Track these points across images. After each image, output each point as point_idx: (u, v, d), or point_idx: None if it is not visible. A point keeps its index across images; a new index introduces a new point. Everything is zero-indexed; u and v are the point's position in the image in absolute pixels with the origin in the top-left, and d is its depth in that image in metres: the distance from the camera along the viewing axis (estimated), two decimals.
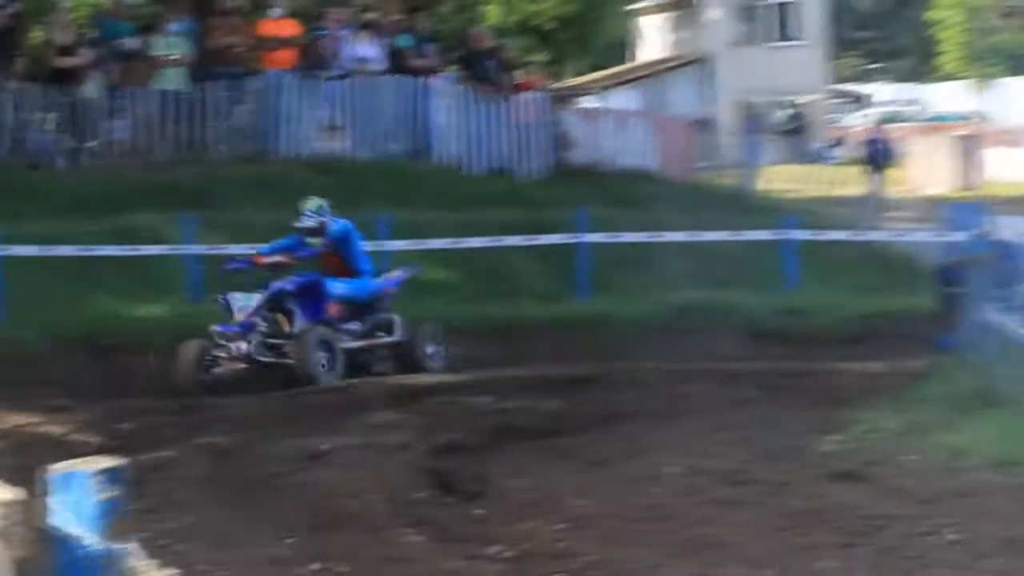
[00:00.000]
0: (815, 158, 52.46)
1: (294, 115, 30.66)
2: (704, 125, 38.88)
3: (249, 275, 21.61)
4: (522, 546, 13.89)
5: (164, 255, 25.39)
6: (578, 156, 33.38)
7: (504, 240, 27.28)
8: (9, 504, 4.16)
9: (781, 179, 37.24)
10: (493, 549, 13.88)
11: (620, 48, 71.23)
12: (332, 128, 30.94)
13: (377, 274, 22.80)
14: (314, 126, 30.82)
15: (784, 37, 72.36)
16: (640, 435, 18.30)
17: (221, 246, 25.69)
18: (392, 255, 26.23)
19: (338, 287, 21.98)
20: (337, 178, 29.50)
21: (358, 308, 22.33)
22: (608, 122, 35.33)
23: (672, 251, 27.62)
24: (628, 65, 70.47)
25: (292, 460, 16.89)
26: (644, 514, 14.77)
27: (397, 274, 23.29)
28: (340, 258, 22.25)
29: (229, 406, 19.92)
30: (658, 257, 27.36)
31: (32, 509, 4.24)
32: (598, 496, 15.56)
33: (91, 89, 29.39)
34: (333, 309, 21.89)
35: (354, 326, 22.18)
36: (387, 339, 22.61)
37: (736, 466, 16.39)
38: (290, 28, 31.81)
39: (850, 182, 40.10)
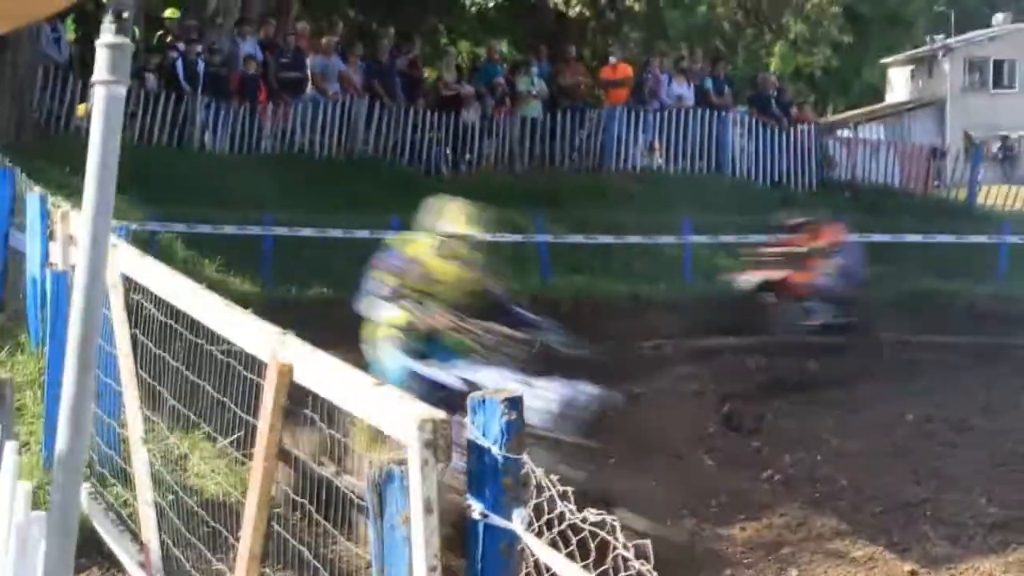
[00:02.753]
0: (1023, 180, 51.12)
1: (623, 138, 30.74)
2: (937, 153, 38.02)
3: None
4: (789, 472, 13.88)
5: (521, 242, 25.56)
6: (839, 174, 33.11)
7: (779, 237, 27.05)
8: (437, 421, 4.29)
9: (996, 196, 36.32)
10: (767, 473, 13.89)
11: (872, 92, 70.14)
12: (651, 149, 31.01)
13: None
14: (638, 147, 30.92)
15: (1002, 86, 70.83)
16: (882, 390, 18.12)
17: (565, 235, 25.92)
18: (694, 246, 26.35)
19: None
20: (653, 187, 29.62)
21: None
22: (862, 149, 34.90)
23: (909, 248, 27.29)
24: (878, 105, 69.33)
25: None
26: (887, 450, 14.67)
27: None
28: None
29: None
30: (898, 253, 27.02)
31: (450, 427, 4.36)
32: (850, 435, 15.46)
33: (471, 115, 29.81)
34: None
35: None
36: None
37: (960, 416, 16.18)
38: (623, 72, 32.02)
39: None
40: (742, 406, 16.94)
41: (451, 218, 10.87)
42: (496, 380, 9.42)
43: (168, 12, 28.59)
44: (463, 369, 9.90)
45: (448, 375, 9.82)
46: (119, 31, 2.28)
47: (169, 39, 28.17)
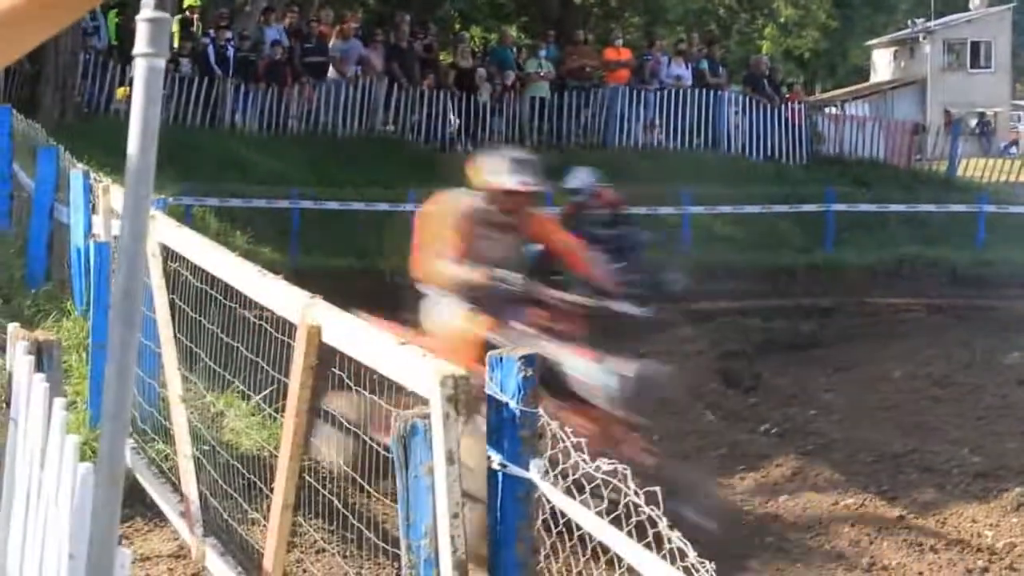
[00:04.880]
0: (999, 154, 50.97)
1: (625, 116, 30.68)
2: (919, 128, 37.93)
3: None
4: (785, 426, 13.87)
5: None
6: (827, 149, 33.00)
7: (773, 208, 27.08)
8: (458, 377, 4.27)
9: (975, 168, 36.28)
10: (764, 426, 13.88)
11: (857, 72, 70.02)
12: (652, 126, 30.93)
13: None
14: (639, 125, 30.85)
15: (978, 66, 70.76)
16: (870, 349, 18.17)
17: None
18: (691, 216, 26.29)
19: None
20: (654, 162, 29.58)
21: None
22: (850, 124, 34.80)
23: (895, 218, 27.30)
24: (863, 84, 69.22)
25: None
26: (876, 405, 14.67)
27: None
28: None
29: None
30: (884, 222, 27.02)
31: (473, 382, 4.34)
32: (841, 392, 15.49)
33: (483, 95, 29.75)
34: None
35: None
36: None
37: (943, 373, 16.18)
38: (625, 54, 32.01)
39: None
40: (740, 365, 16.94)
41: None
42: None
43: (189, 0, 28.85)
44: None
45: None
46: (158, 6, 2.26)
47: (198, 26, 28.38)
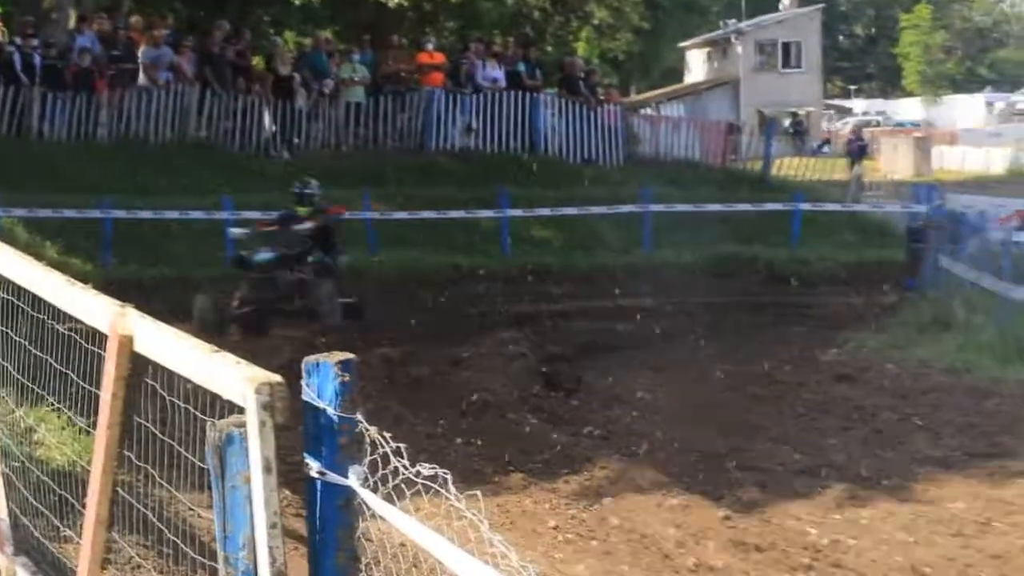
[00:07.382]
0: (812, 152, 51.94)
1: (441, 120, 30.70)
2: (733, 128, 38.52)
3: None
4: (608, 427, 13.93)
5: (348, 219, 25.37)
6: (644, 150, 33.35)
7: (590, 209, 27.25)
8: (274, 384, 4.20)
9: (788, 168, 36.92)
10: (587, 429, 13.92)
11: (672, 73, 70.92)
12: (469, 129, 30.97)
13: None
14: (456, 128, 30.87)
15: (789, 66, 72.24)
16: (691, 349, 18.33)
17: (390, 212, 25.80)
18: (511, 219, 26.35)
19: None
20: (471, 165, 29.66)
21: None
22: (665, 126, 35.22)
23: (711, 217, 27.58)
24: (678, 85, 70.17)
25: (442, 364, 16.93)
26: (698, 405, 14.79)
27: None
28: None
29: (394, 326, 19.83)
30: (701, 222, 27.29)
31: (287, 389, 4.27)
32: (662, 392, 15.56)
33: (299, 100, 29.57)
34: None
35: None
36: None
37: (763, 371, 16.40)
38: (439, 58, 32.04)
39: (838, 170, 40.02)
40: (561, 367, 16.97)
41: None
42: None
43: None
44: None
45: None
46: None
47: (3, 34, 27.87)
